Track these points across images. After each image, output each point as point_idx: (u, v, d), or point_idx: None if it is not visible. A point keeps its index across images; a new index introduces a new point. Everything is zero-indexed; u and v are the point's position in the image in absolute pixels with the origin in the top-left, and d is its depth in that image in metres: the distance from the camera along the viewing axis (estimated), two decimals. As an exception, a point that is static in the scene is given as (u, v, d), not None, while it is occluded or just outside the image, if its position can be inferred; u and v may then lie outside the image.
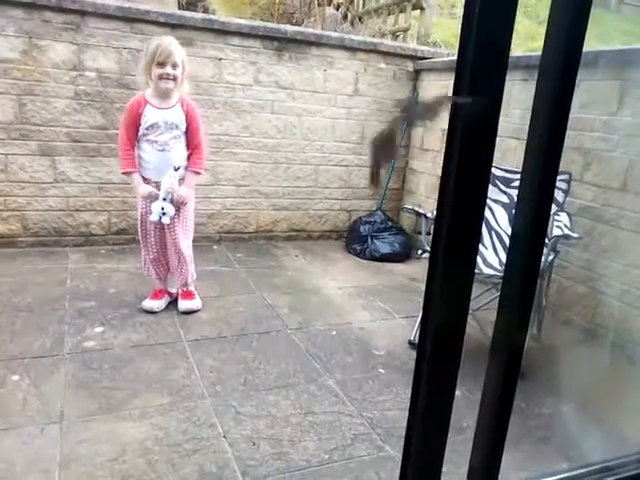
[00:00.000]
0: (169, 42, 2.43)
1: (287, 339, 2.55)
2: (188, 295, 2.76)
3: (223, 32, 3.60)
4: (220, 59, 3.65)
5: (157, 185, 2.53)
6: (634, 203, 2.54)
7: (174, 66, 2.42)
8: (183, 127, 2.55)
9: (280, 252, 3.89)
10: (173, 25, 3.45)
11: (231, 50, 3.66)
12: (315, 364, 2.34)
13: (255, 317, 2.75)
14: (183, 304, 2.74)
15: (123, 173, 2.57)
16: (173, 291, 2.83)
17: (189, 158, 2.60)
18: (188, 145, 2.59)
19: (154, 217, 2.51)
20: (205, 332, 2.55)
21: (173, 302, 2.80)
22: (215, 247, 3.86)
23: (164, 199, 2.50)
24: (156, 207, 2.51)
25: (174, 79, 2.44)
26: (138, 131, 2.49)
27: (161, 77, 2.41)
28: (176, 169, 2.52)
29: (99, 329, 2.48)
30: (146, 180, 2.55)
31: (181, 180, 2.57)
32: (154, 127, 2.48)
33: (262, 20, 5.14)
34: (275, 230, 4.13)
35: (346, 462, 1.74)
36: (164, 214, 2.51)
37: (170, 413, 1.91)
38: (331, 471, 1.69)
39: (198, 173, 2.64)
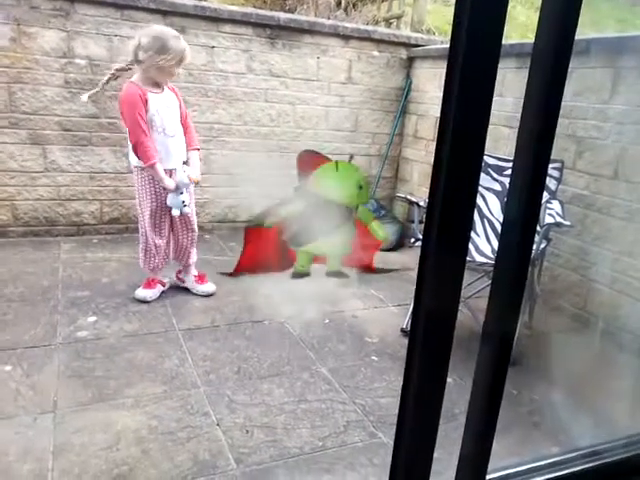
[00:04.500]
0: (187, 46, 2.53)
1: (280, 328, 2.56)
2: (203, 279, 2.86)
3: (215, 19, 3.56)
4: (212, 47, 3.61)
5: (169, 173, 2.57)
6: (625, 191, 2.56)
7: None
8: (178, 109, 2.63)
9: (273, 241, 3.88)
10: (164, 12, 3.41)
11: (223, 38, 3.62)
12: (308, 352, 2.35)
13: (248, 306, 2.76)
14: (201, 288, 2.83)
15: (148, 165, 2.49)
16: (166, 280, 2.82)
17: (185, 140, 2.68)
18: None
19: (176, 212, 2.59)
20: (198, 321, 2.55)
21: (166, 292, 2.80)
22: (207, 236, 3.85)
23: (181, 193, 2.57)
24: (176, 203, 2.57)
25: None
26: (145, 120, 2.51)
27: (171, 74, 2.53)
28: (184, 162, 2.63)
29: (92, 319, 2.48)
30: None
31: (184, 163, 2.65)
32: (159, 112, 2.51)
33: (254, 7, 5.08)
34: (268, 219, 4.12)
35: (339, 449, 1.75)
36: (185, 206, 2.59)
37: (164, 402, 1.91)
38: (324, 458, 1.70)
39: (198, 149, 2.74)
